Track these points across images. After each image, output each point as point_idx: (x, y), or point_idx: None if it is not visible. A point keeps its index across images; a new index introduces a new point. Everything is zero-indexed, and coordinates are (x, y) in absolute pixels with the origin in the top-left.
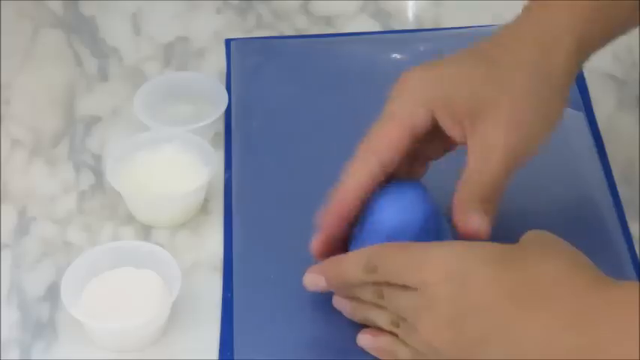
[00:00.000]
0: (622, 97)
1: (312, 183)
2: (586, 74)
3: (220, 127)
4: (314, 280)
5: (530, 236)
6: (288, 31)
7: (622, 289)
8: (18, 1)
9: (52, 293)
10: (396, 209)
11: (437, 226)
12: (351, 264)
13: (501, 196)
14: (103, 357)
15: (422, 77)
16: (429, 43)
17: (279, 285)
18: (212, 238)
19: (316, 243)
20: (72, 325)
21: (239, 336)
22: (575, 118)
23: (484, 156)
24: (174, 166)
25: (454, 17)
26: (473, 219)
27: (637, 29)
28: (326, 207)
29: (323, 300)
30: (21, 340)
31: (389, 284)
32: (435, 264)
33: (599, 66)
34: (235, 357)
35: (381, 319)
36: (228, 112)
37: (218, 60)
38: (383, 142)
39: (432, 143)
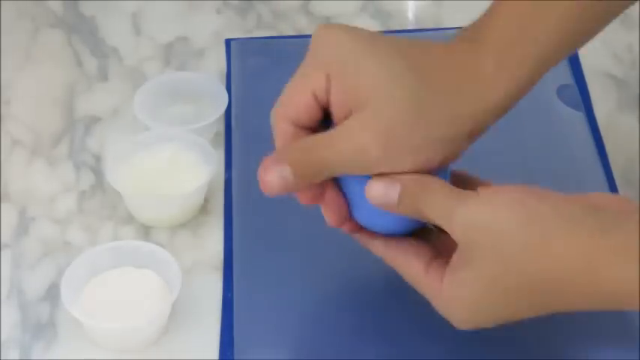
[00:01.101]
0: (622, 97)
1: None
2: (586, 74)
3: (220, 127)
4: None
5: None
6: (288, 31)
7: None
8: (18, 1)
9: (52, 293)
10: None
11: None
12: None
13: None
14: (103, 357)
15: (336, 36)
16: None
17: (279, 285)
18: (212, 238)
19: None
20: (72, 325)
21: (239, 336)
22: (575, 118)
23: (335, 140)
24: (174, 166)
25: (454, 17)
26: (275, 176)
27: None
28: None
29: (323, 300)
30: (21, 340)
31: None
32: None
33: (599, 66)
34: (235, 357)
35: None
36: (228, 112)
37: (218, 60)
38: (292, 106)
39: None
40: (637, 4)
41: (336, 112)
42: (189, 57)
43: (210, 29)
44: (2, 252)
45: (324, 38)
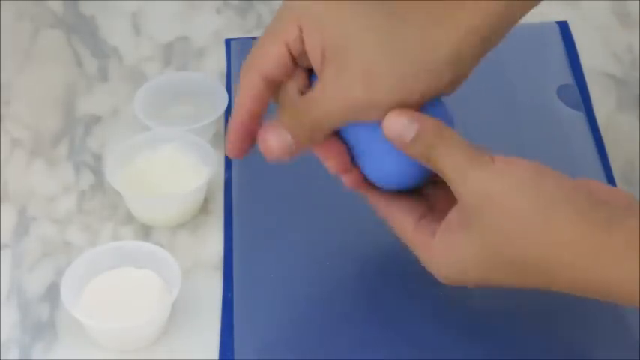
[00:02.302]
0: (622, 97)
1: (312, 182)
2: (586, 74)
3: (220, 127)
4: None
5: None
6: None
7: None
8: (18, 1)
9: (52, 293)
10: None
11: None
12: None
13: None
14: (103, 357)
15: (310, 8)
16: None
17: (279, 285)
18: (212, 238)
19: (227, 146)
20: (72, 325)
21: (239, 336)
22: (575, 118)
23: (326, 96)
24: (174, 166)
25: None
26: (273, 138)
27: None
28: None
29: (323, 299)
30: (21, 340)
31: None
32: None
33: (599, 66)
34: (235, 357)
35: None
36: (228, 112)
37: (218, 60)
38: (264, 58)
39: None
40: (637, 5)
41: (313, 60)
42: (189, 57)
43: (210, 29)
44: (2, 252)
45: None
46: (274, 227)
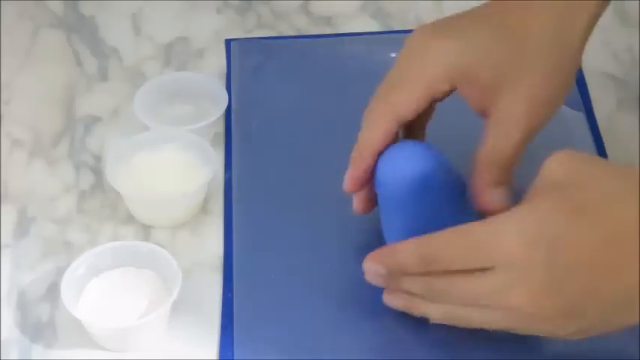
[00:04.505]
0: (622, 97)
1: (312, 183)
2: (586, 74)
3: (220, 127)
4: (375, 269)
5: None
6: (288, 31)
7: None
8: (18, 1)
9: (52, 293)
10: (391, 168)
11: (445, 178)
12: (406, 255)
13: (515, 169)
14: (103, 357)
15: (442, 47)
16: None
17: (279, 285)
18: (212, 238)
19: (347, 181)
20: (72, 325)
21: (239, 336)
22: (575, 118)
23: (505, 132)
24: (174, 166)
25: None
26: (497, 198)
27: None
28: (350, 160)
29: (323, 300)
30: (21, 340)
31: (447, 272)
32: (511, 235)
33: (599, 66)
34: (235, 357)
35: (432, 312)
36: (228, 112)
37: (218, 60)
38: (403, 103)
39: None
40: (637, 5)
41: (475, 108)
42: (189, 57)
43: (210, 29)
44: (2, 252)
45: (427, 50)
46: (274, 227)
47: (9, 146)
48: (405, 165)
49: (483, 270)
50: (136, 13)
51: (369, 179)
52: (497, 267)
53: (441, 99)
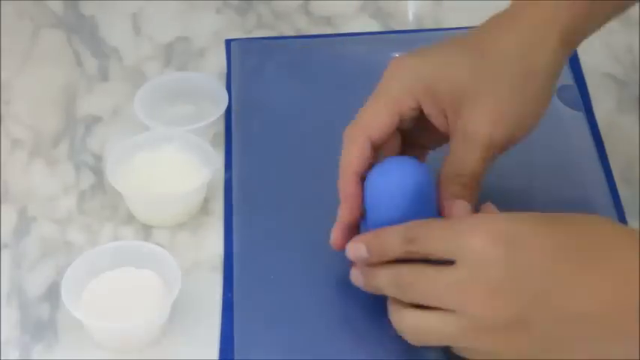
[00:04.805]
0: (622, 97)
1: (312, 183)
2: (586, 74)
3: (220, 127)
4: (357, 249)
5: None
6: (288, 31)
7: None
8: (18, 1)
9: (52, 293)
10: (384, 183)
11: (432, 194)
12: (391, 235)
13: (481, 182)
14: (103, 357)
15: (409, 64)
16: (429, 43)
17: (279, 285)
18: (212, 238)
19: (335, 234)
20: (72, 325)
21: (239, 336)
22: (575, 118)
23: (465, 147)
24: (174, 166)
25: (454, 17)
26: (459, 209)
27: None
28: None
29: (323, 300)
30: (21, 340)
31: (426, 259)
32: (481, 229)
33: (599, 66)
34: (235, 357)
35: (393, 314)
36: (228, 112)
37: (218, 60)
38: (371, 121)
39: (425, 132)
40: (637, 5)
41: (438, 124)
42: (189, 57)
43: (210, 29)
44: (2, 252)
45: (396, 69)
46: (274, 227)
47: (9, 146)
48: (401, 177)
49: (452, 263)
50: (136, 13)
51: (357, 198)
52: (462, 261)
53: (408, 117)
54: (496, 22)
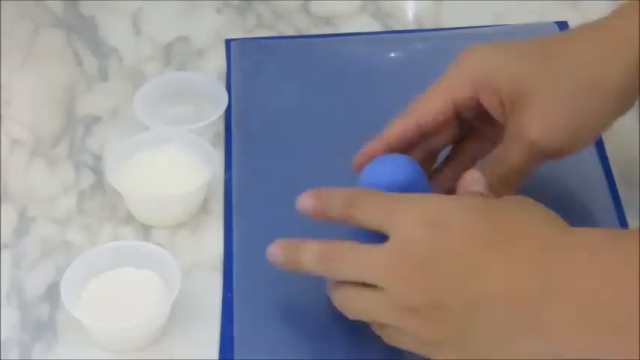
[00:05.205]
0: None
1: (312, 183)
2: None
3: (220, 127)
4: (305, 201)
5: (514, 197)
6: (288, 31)
7: (582, 234)
8: (18, 1)
9: (52, 293)
10: (376, 176)
11: (423, 190)
12: (337, 194)
13: (520, 182)
14: (103, 357)
15: (476, 54)
16: (429, 43)
17: (279, 285)
18: (212, 238)
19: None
20: (72, 325)
21: (239, 336)
22: None
23: (511, 144)
24: (174, 166)
25: (454, 17)
26: (470, 176)
27: None
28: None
29: (323, 300)
30: (21, 340)
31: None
32: (413, 208)
33: None
34: (235, 357)
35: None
36: (228, 112)
37: (218, 60)
38: (423, 106)
39: (487, 125)
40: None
41: (494, 112)
42: (189, 57)
43: (210, 29)
44: (2, 252)
45: (462, 57)
46: (274, 227)
47: (9, 146)
48: (395, 170)
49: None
50: (136, 13)
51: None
52: (393, 237)
53: (464, 107)
54: (580, 29)
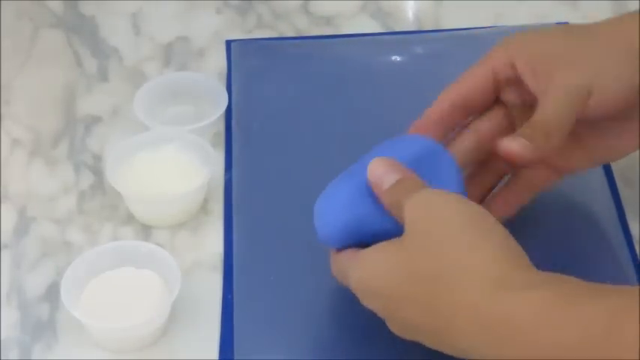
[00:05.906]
0: None
1: (312, 183)
2: None
3: (220, 127)
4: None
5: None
6: (288, 32)
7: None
8: (18, 1)
9: (52, 293)
10: (388, 151)
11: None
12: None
13: (563, 137)
14: (103, 357)
15: (516, 36)
16: (429, 44)
17: (279, 285)
18: (212, 238)
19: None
20: (72, 325)
21: (239, 336)
22: None
23: (549, 97)
24: (174, 166)
25: (454, 18)
26: (517, 141)
27: None
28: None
29: (323, 300)
30: (21, 340)
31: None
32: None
33: None
34: (235, 357)
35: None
36: (228, 112)
37: (218, 60)
38: (465, 81)
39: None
40: (637, 3)
41: (526, 78)
42: (189, 57)
43: (210, 29)
44: (2, 252)
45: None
46: (274, 227)
47: (9, 146)
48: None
49: None
50: (136, 13)
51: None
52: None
53: (503, 77)
54: (622, 16)
